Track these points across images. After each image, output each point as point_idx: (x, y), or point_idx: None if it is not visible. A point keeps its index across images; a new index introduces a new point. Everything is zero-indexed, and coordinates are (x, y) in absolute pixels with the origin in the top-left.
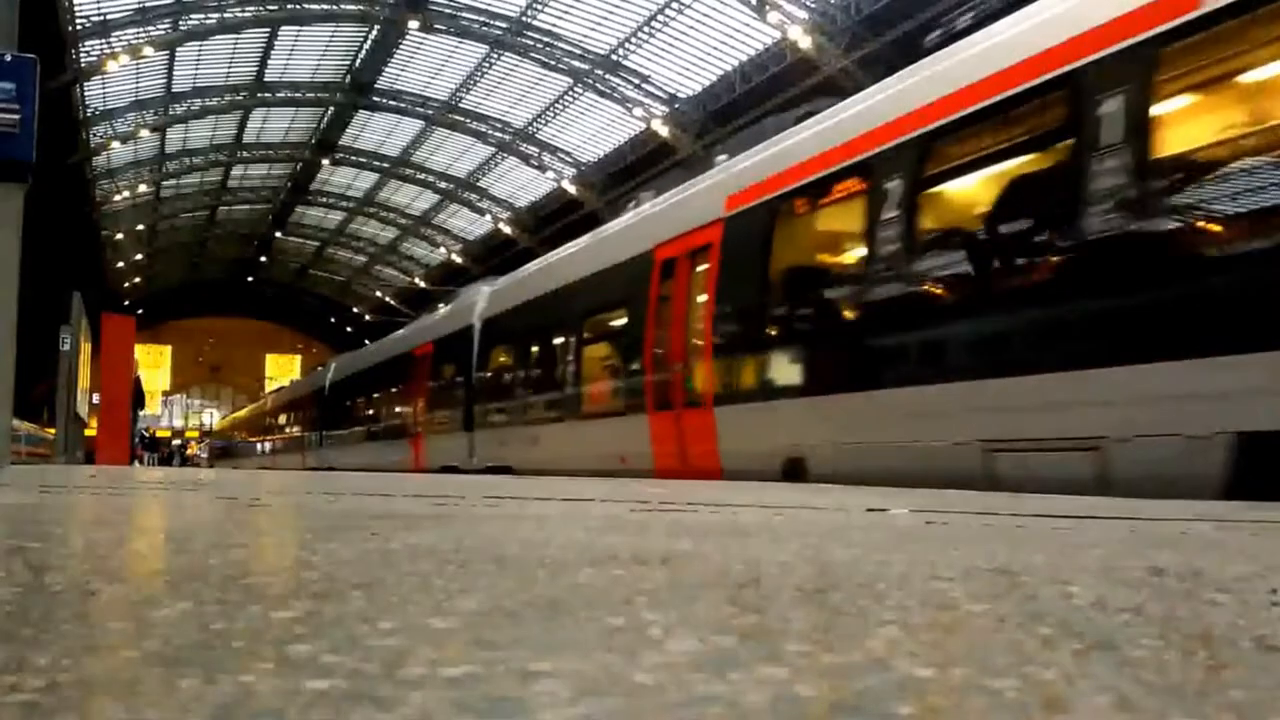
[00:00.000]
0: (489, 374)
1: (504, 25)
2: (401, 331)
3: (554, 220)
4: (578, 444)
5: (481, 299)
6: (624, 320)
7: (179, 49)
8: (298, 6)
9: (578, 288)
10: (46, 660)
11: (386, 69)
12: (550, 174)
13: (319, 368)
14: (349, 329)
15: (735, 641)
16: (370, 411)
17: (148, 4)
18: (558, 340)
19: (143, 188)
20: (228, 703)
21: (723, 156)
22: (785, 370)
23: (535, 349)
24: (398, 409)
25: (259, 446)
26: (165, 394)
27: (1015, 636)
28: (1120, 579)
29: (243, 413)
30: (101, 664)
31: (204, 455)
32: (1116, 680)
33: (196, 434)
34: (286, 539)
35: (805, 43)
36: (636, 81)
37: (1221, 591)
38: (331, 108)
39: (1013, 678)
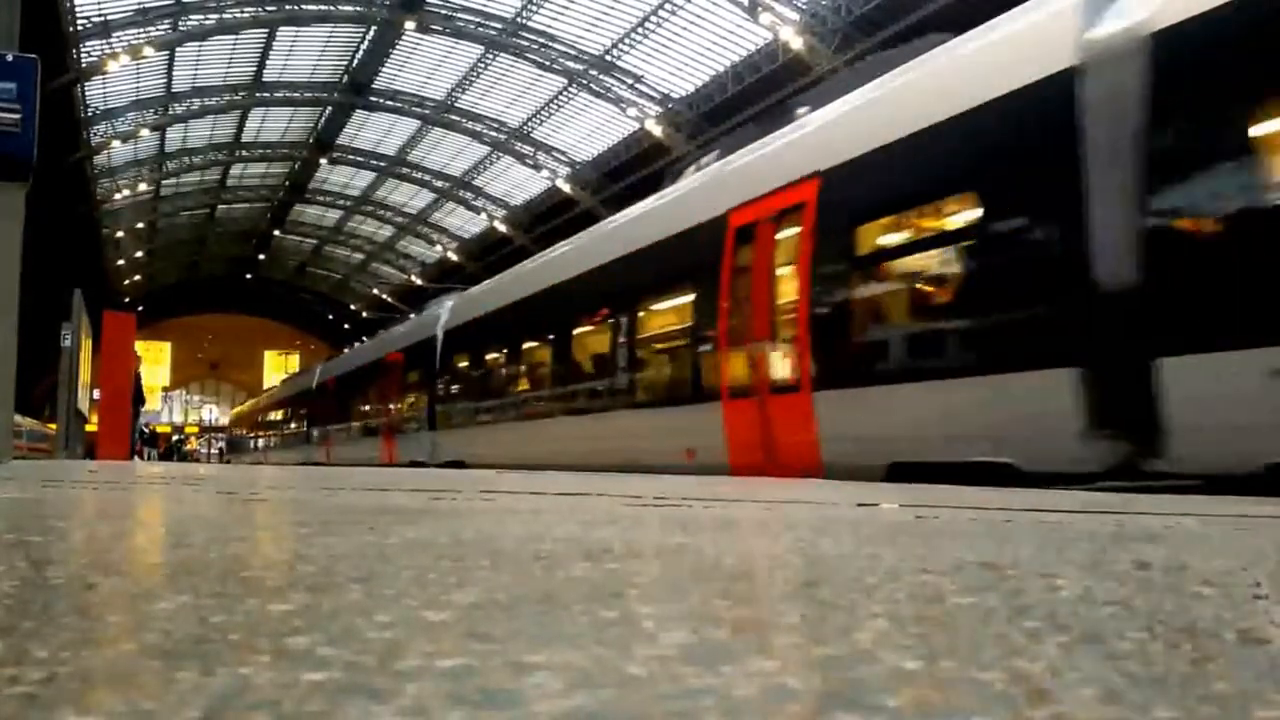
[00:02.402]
0: None
1: (499, 26)
2: (660, 201)
3: (549, 219)
4: None
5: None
6: None
7: (179, 49)
8: (295, 7)
9: None
10: (46, 653)
11: (383, 69)
12: (545, 173)
13: (411, 316)
14: (346, 326)
15: (727, 634)
16: (591, 366)
17: (148, 5)
18: None
19: (143, 186)
20: (225, 694)
21: None
22: None
23: None
24: (696, 351)
25: (295, 438)
26: (165, 390)
27: (1002, 629)
28: (1107, 573)
29: (266, 397)
30: (100, 657)
31: (204, 451)
32: (1102, 672)
33: (196, 429)
34: (284, 533)
35: (797, 43)
36: (630, 82)
37: (1206, 585)
38: (329, 107)
39: (1000, 670)
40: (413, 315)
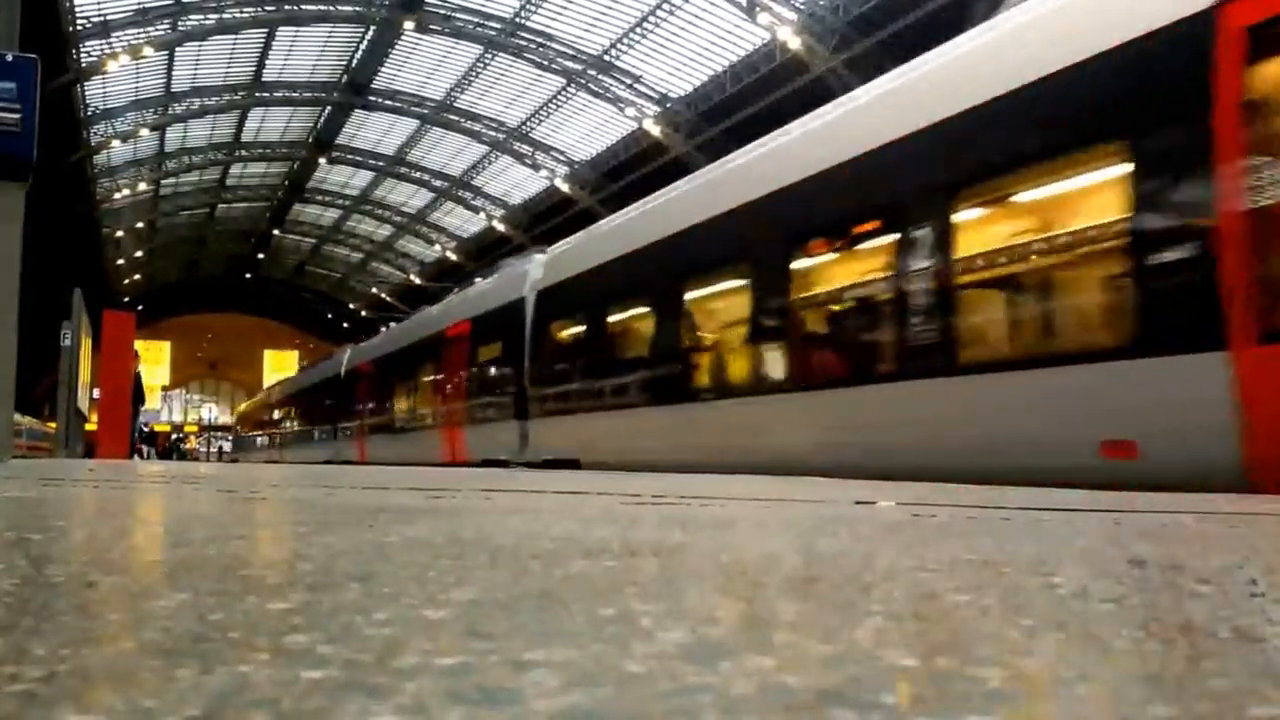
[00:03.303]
0: None
1: (498, 26)
2: (998, 34)
3: (547, 218)
4: None
5: None
6: None
7: (178, 49)
8: (295, 8)
9: None
10: (45, 650)
11: (382, 69)
12: (544, 173)
13: (477, 279)
14: (345, 325)
15: (724, 632)
16: (842, 311)
17: (148, 5)
18: None
19: (142, 186)
20: (224, 692)
21: None
22: None
23: None
24: (1133, 259)
25: (319, 434)
26: (164, 389)
27: (999, 627)
28: (1103, 570)
29: (280, 388)
30: (100, 654)
31: (204, 450)
32: (1099, 670)
33: (195, 429)
34: (283, 531)
35: (795, 43)
36: (628, 82)
37: (1202, 582)
38: (328, 107)
39: (996, 667)
40: (479, 279)
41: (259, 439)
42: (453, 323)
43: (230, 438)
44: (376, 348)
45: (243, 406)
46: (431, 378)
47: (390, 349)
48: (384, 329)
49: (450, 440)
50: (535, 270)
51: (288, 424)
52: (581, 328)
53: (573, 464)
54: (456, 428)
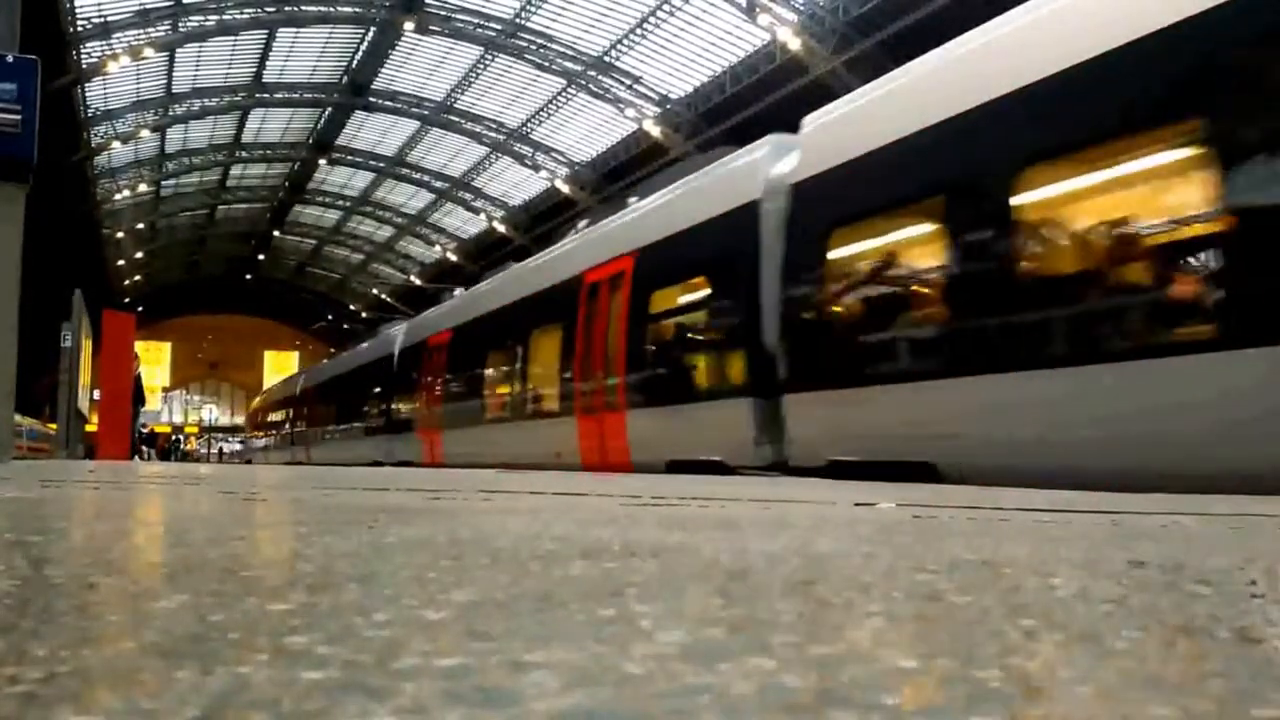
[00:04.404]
0: None
1: (498, 27)
2: None
3: (547, 219)
4: None
5: None
6: None
7: (179, 50)
8: (295, 9)
9: None
10: (45, 652)
11: (382, 70)
12: (543, 173)
13: (632, 199)
14: (345, 326)
15: (724, 632)
16: None
17: (148, 6)
18: None
19: (143, 187)
20: (224, 693)
21: None
22: None
23: None
24: None
25: (360, 431)
26: (165, 390)
27: (999, 628)
28: (1102, 571)
29: (305, 379)
30: (100, 655)
31: (204, 451)
32: (1098, 671)
33: (195, 429)
34: (283, 532)
35: (795, 44)
36: (628, 82)
37: (1202, 583)
38: (328, 108)
39: (996, 668)
40: (633, 199)
41: (277, 438)
42: (597, 263)
43: (231, 438)
44: (453, 315)
45: (256, 401)
46: (559, 347)
47: (477, 315)
48: (453, 293)
49: (598, 435)
50: (778, 160)
51: (316, 419)
52: (924, 228)
53: (921, 471)
54: (609, 416)
